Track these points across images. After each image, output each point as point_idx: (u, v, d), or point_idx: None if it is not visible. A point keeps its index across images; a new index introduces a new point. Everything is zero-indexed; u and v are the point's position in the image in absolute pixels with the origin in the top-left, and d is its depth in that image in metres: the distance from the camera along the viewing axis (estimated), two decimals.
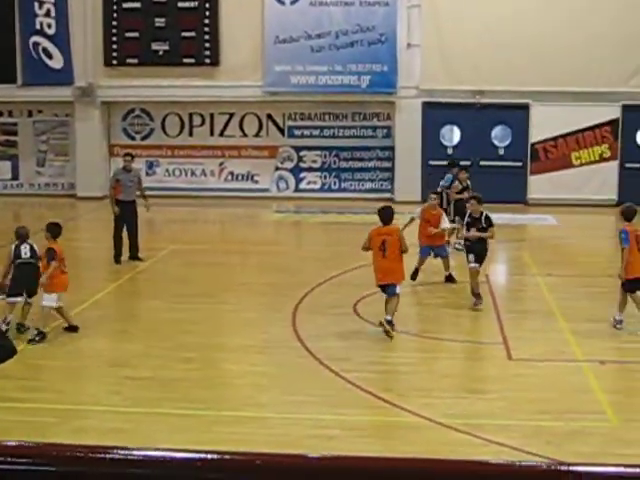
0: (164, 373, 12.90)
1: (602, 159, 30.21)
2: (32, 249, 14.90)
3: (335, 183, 31.25)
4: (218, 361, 13.76)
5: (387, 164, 31.06)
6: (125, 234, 20.46)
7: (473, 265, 16.27)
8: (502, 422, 11.24)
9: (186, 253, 21.86)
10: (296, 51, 29.96)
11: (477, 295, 16.25)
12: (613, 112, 30.14)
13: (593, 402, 11.97)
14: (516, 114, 30.25)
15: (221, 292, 17.91)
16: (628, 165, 30.28)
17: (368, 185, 31.28)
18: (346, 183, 31.34)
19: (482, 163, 30.31)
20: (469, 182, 21.95)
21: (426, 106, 30.31)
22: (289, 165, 31.40)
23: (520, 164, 30.36)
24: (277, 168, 31.44)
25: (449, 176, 22.56)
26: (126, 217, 20.42)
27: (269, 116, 31.27)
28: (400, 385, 12.59)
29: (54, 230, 14.95)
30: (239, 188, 31.32)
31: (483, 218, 16.53)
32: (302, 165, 31.36)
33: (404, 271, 15.44)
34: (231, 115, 31.32)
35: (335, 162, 31.24)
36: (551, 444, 10.55)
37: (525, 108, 30.21)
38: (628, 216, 15.72)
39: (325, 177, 31.12)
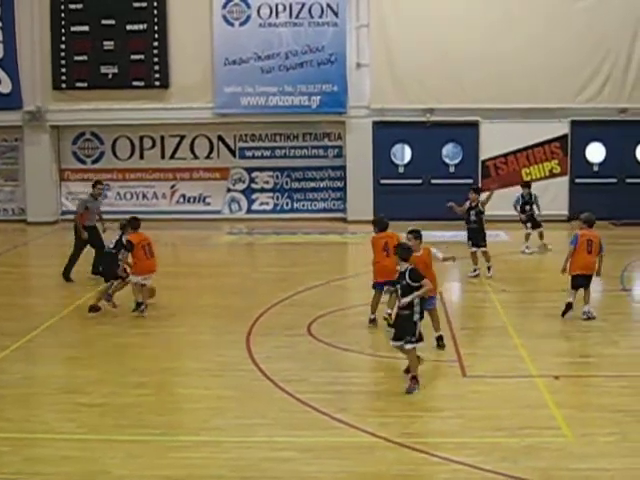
0: (118, 399, 12.77)
1: (552, 175, 30.46)
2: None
3: (287, 204, 31.24)
4: (172, 385, 13.65)
5: (339, 184, 31.11)
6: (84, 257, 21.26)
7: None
8: (458, 440, 11.23)
9: None
10: (246, 72, 29.95)
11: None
12: (562, 128, 30.43)
13: (548, 417, 12.00)
14: (466, 132, 30.43)
15: (174, 315, 17.77)
16: (578, 180, 30.57)
17: (320, 205, 31.31)
18: (298, 203, 31.35)
19: (433, 181, 30.48)
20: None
21: (377, 125, 30.42)
22: (241, 186, 31.35)
23: (471, 181, 30.48)
24: (229, 190, 31.38)
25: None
26: (94, 240, 21.36)
27: (220, 138, 31.22)
28: (356, 405, 12.54)
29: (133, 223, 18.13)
30: (191, 210, 31.23)
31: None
32: (254, 186, 31.32)
33: None
34: (182, 137, 31.24)
35: (287, 183, 31.25)
36: (507, 460, 10.57)
37: (475, 125, 30.41)
38: (588, 222, 17.70)
39: (277, 198, 31.11)
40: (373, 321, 16.60)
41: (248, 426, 11.72)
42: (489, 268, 20.90)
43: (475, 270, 21.01)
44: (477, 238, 21.07)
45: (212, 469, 10.41)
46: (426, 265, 14.61)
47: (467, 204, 21.45)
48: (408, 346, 12.87)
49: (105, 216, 22.31)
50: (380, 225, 17.15)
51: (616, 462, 10.59)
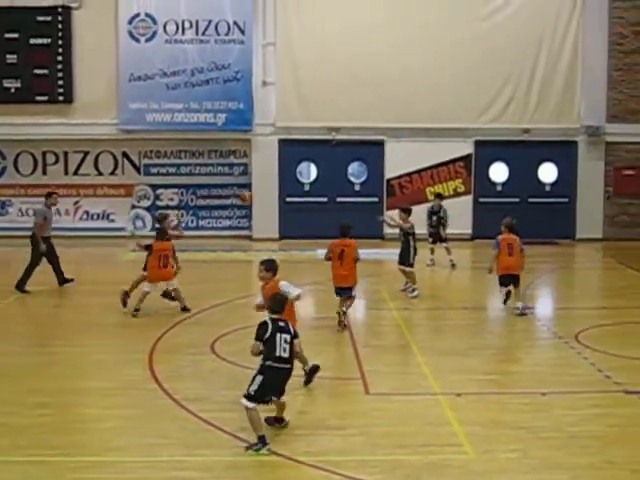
0: (17, 420, 12.48)
1: (456, 194, 30.80)
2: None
3: (192, 221, 31.09)
4: (74, 405, 13.38)
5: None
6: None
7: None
8: (361, 457, 11.22)
9: (40, 295, 21.36)
10: (151, 89, 29.78)
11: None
12: (466, 148, 30.81)
13: (450, 435, 12.06)
14: (371, 150, 30.65)
15: (76, 334, 17.51)
16: (482, 200, 30.95)
17: (226, 223, 31.22)
18: (204, 221, 31.22)
19: (339, 199, 30.59)
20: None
21: (282, 143, 30.46)
22: (146, 203, 31.09)
23: (376, 199, 30.72)
24: (133, 207, 31.09)
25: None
26: (51, 251, 21.95)
27: (125, 154, 30.95)
28: None
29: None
30: (95, 227, 30.89)
31: None
32: (159, 203, 31.09)
33: (357, 277, 18.20)
34: (86, 153, 30.91)
35: (192, 200, 31.10)
36: (410, 477, 10.60)
37: (380, 144, 30.62)
38: (509, 227, 19.88)
39: (182, 215, 30.91)
40: (343, 315, 17.78)
41: (150, 446, 11.56)
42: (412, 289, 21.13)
43: (406, 283, 21.43)
44: (401, 256, 21.34)
45: None
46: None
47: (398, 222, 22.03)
48: (243, 401, 11.63)
49: (7, 233, 22.01)
50: (342, 231, 18.41)
51: (517, 478, 10.69)
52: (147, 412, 12.91)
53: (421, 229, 23.86)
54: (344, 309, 17.71)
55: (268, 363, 11.61)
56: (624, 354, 16.06)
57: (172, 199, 31.10)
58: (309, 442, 11.58)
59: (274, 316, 11.91)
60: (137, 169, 31.09)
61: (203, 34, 29.88)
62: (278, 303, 12.09)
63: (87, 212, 31.04)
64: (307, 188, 30.94)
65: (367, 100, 29.89)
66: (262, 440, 11.36)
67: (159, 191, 31.03)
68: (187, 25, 29.81)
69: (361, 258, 18.34)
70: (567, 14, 30.37)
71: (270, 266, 14.03)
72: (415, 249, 21.15)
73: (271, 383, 11.64)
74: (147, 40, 29.84)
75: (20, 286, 21.34)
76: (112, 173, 31.06)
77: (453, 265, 24.88)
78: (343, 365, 15.31)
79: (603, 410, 13.08)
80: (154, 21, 29.75)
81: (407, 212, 21.67)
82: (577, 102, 30.66)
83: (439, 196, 26.43)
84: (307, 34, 29.90)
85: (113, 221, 31.10)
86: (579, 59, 30.52)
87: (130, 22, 29.72)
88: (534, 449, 11.52)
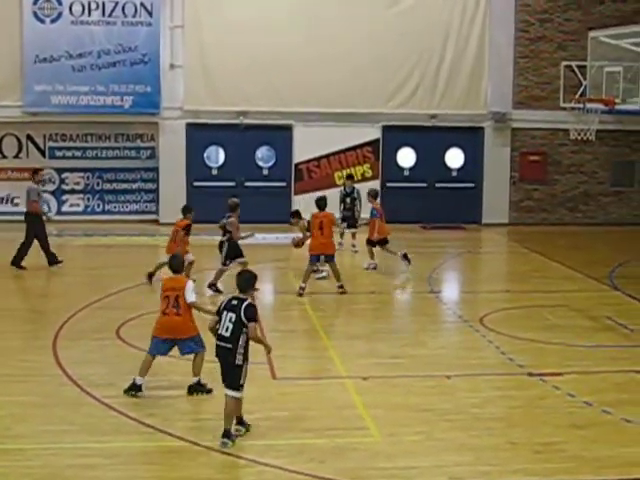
0: None
1: (364, 178, 30.87)
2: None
3: (99, 205, 30.68)
4: None
5: (151, 185, 30.76)
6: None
7: None
8: (267, 442, 11.24)
9: None
10: (57, 70, 29.25)
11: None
12: (374, 133, 30.93)
13: (356, 418, 12.14)
14: (280, 135, 30.58)
15: None
16: (389, 184, 31.10)
17: (133, 207, 30.87)
18: (110, 205, 30.82)
19: (247, 184, 30.50)
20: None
21: (190, 127, 30.22)
22: (51, 187, 30.58)
23: (284, 184, 30.69)
24: None
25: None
26: (41, 230, 22.32)
27: (29, 137, 30.38)
28: (165, 410, 12.36)
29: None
30: None
31: None
32: (64, 187, 30.62)
33: (335, 245, 20.39)
34: None
35: (98, 184, 30.67)
36: (314, 461, 10.64)
37: (288, 129, 30.58)
38: (374, 195, 23.09)
39: (88, 199, 30.49)
40: (303, 289, 19.55)
41: (53, 432, 11.43)
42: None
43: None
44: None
45: (13, 477, 10.09)
46: None
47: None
48: (231, 393, 11.39)
49: None
50: (319, 205, 20.22)
51: (422, 460, 10.81)
52: (50, 399, 12.75)
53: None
54: (339, 283, 19.89)
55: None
56: (527, 337, 16.34)
57: (78, 183, 30.65)
58: (215, 427, 11.52)
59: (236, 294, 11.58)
60: (42, 152, 30.55)
61: (110, 15, 29.41)
62: (241, 280, 11.65)
63: None
64: (215, 172, 30.75)
65: (275, 84, 29.79)
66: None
67: (64, 175, 30.54)
68: (93, 6, 29.31)
69: (268, 242, 18.61)
70: (474, 1, 30.61)
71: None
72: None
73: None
74: (52, 21, 29.29)
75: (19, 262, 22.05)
76: (16, 156, 30.45)
77: (356, 251, 24.97)
78: (250, 349, 15.23)
79: (506, 392, 13.28)
80: (59, 2, 29.19)
81: (298, 216, 22.36)
82: (484, 88, 30.93)
83: (350, 177, 26.56)
84: (215, 17, 29.65)
85: (17, 205, 30.51)
86: (486, 46, 30.78)
87: (35, 2, 29.10)
88: (438, 431, 11.66)
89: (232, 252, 19.74)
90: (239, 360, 11.26)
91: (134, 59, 29.46)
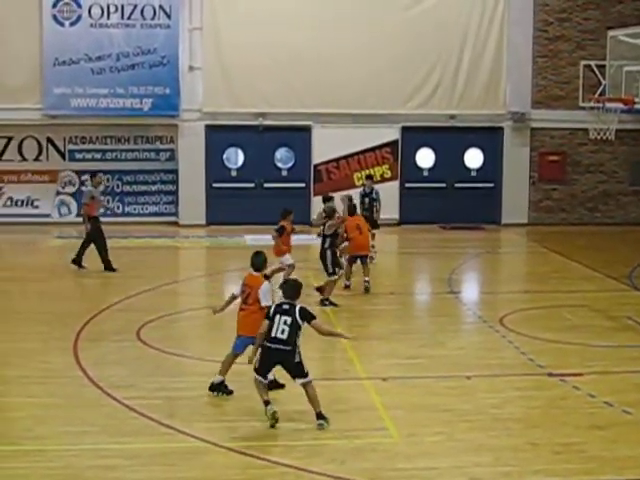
0: None
1: (383, 179, 30.87)
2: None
3: (118, 207, 30.77)
4: None
5: (171, 187, 30.82)
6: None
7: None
8: (287, 443, 11.26)
9: None
10: (76, 73, 29.36)
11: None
12: (393, 133, 30.91)
13: (376, 419, 12.14)
14: (298, 136, 30.59)
15: None
16: (408, 185, 31.09)
17: (152, 209, 30.95)
18: (129, 207, 30.91)
19: (266, 185, 30.53)
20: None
21: (209, 129, 30.27)
22: (71, 190, 30.70)
23: (303, 185, 30.71)
24: (58, 193, 30.70)
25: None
26: (97, 232, 22.15)
27: (49, 139, 30.50)
28: (184, 411, 12.39)
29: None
30: (19, 214, 30.38)
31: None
32: (84, 189, 30.64)
33: None
34: (9, 139, 30.37)
35: (118, 186, 30.76)
36: (335, 462, 10.64)
37: (307, 130, 30.59)
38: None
39: (108, 201, 30.53)
40: (348, 287, 20.18)
41: (74, 434, 11.47)
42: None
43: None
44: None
45: (34, 478, 10.14)
46: None
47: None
48: (303, 380, 11.93)
49: None
50: (350, 211, 20.57)
51: (442, 461, 10.80)
52: (71, 400, 12.80)
53: None
54: (367, 278, 20.02)
55: (264, 342, 11.95)
56: (547, 337, 16.30)
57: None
58: (234, 428, 11.57)
59: (283, 300, 12.22)
60: (62, 155, 30.66)
61: (129, 18, 29.53)
62: (289, 288, 12.32)
63: (11, 198, 30.54)
64: (234, 174, 30.80)
65: (294, 86, 29.83)
66: (266, 403, 11.83)
67: (84, 177, 30.60)
68: (112, 9, 29.43)
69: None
70: (493, 1, 30.56)
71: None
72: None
73: (264, 360, 11.98)
74: (72, 24, 29.41)
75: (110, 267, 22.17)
76: (36, 159, 30.58)
77: (375, 252, 24.77)
78: None
79: (526, 393, 13.25)
80: (79, 5, 29.32)
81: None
82: (503, 88, 30.88)
83: (370, 178, 26.27)
84: (234, 19, 29.70)
85: (37, 207, 30.66)
86: (505, 46, 30.73)
87: (54, 5, 29.24)
88: (458, 432, 11.65)
89: (336, 259, 19.37)
90: (298, 358, 11.87)
91: (153, 61, 29.55)
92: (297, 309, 11.94)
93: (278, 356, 11.88)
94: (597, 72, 29.09)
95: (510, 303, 19.38)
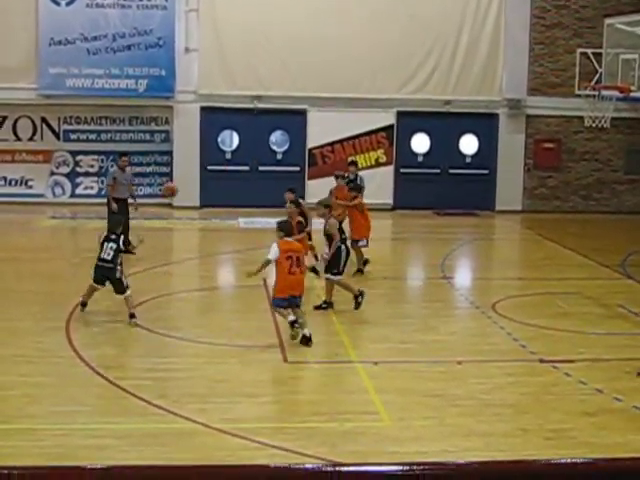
0: None
1: (378, 164, 30.86)
2: None
3: None
4: None
5: (165, 169, 30.73)
6: None
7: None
8: (277, 425, 11.30)
9: None
10: (72, 53, 29.26)
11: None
12: (388, 118, 30.87)
13: (367, 402, 12.16)
14: (294, 119, 30.54)
15: None
16: (403, 170, 31.07)
17: (146, 190, 30.84)
18: None
19: (261, 168, 30.50)
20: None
21: (204, 111, 30.21)
22: (65, 170, 30.63)
23: (298, 169, 30.67)
24: (52, 173, 30.63)
25: None
26: (123, 214, 21.51)
27: (44, 119, 30.40)
28: (175, 391, 12.41)
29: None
30: (13, 193, 30.29)
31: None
32: (78, 170, 30.64)
33: None
34: (4, 118, 30.25)
35: (112, 167, 30.59)
36: (325, 445, 10.66)
37: (302, 114, 30.55)
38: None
39: (102, 182, 30.42)
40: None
41: (65, 413, 11.49)
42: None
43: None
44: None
45: (25, 457, 10.14)
46: None
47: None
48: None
49: None
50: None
51: (432, 445, 10.83)
52: (62, 380, 12.82)
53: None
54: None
55: None
56: (540, 324, 16.32)
57: (92, 166, 30.67)
58: (225, 410, 11.59)
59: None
60: (56, 135, 30.58)
61: None
62: None
63: (5, 178, 30.45)
64: (229, 156, 30.75)
65: (290, 69, 29.79)
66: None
67: (79, 157, 30.54)
68: None
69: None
70: None
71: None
72: None
73: None
74: (68, 4, 29.28)
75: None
76: (31, 139, 30.48)
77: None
78: (263, 333, 15.29)
79: (517, 379, 13.29)
80: None
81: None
82: (499, 75, 30.85)
83: (353, 163, 24.92)
84: (230, 1, 29.66)
85: (31, 187, 30.60)
86: (501, 32, 30.69)
87: None
88: (448, 417, 11.68)
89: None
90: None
91: (149, 42, 29.45)
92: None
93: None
94: (593, 60, 29.14)
95: (503, 289, 19.41)
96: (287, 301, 14.62)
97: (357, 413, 11.75)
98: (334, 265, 17.00)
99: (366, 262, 20.32)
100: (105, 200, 23.00)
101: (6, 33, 29.09)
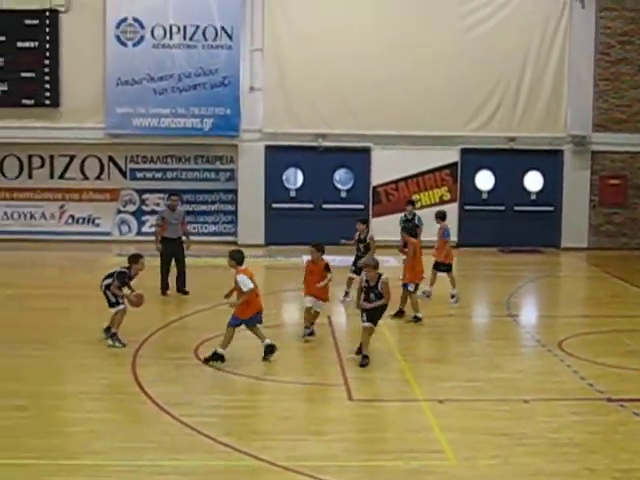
0: None
1: (442, 201, 30.80)
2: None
3: None
4: (52, 409, 13.28)
5: (231, 207, 31.00)
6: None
7: (367, 324, 15.75)
8: (343, 463, 11.21)
9: (22, 298, 21.30)
10: (138, 93, 29.71)
11: (364, 357, 15.62)
12: (452, 156, 30.84)
13: (432, 441, 12.06)
14: (358, 157, 30.64)
15: (57, 338, 17.38)
16: (467, 207, 30.98)
17: (212, 228, 31.14)
18: (189, 226, 30.98)
19: (325, 206, 30.60)
20: (368, 234, 21.35)
21: (269, 149, 30.43)
22: (131, 208, 31.02)
23: (362, 207, 30.70)
24: (119, 211, 31.02)
25: None
26: (175, 253, 22.10)
27: (111, 158, 30.85)
28: (240, 429, 12.42)
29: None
30: (80, 231, 30.77)
31: (380, 284, 15.71)
32: (144, 208, 31.01)
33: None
34: (72, 157, 30.79)
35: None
36: None
37: (366, 151, 30.63)
38: (442, 216, 22.07)
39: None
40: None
41: (131, 449, 11.53)
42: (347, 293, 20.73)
43: (347, 294, 20.90)
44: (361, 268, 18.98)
45: None
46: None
47: (356, 235, 21.36)
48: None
49: None
50: (410, 233, 20.26)
51: None
52: (128, 416, 12.90)
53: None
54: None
55: None
56: (607, 362, 16.10)
57: (158, 204, 30.95)
58: (291, 447, 11.56)
59: None
60: (123, 173, 31.00)
61: (191, 39, 29.85)
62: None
63: (72, 216, 30.93)
64: (293, 194, 30.92)
65: (353, 107, 29.92)
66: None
67: (145, 196, 30.93)
68: (175, 30, 29.77)
69: (347, 264, 18.73)
70: (554, 23, 30.44)
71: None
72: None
73: None
74: (135, 44, 29.78)
75: (162, 291, 22.06)
76: (98, 177, 30.94)
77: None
78: (327, 371, 15.28)
79: (585, 417, 13.09)
80: (142, 25, 29.70)
81: (365, 223, 21.87)
82: (563, 111, 30.73)
83: (411, 203, 24.77)
84: (295, 40, 29.91)
85: (98, 225, 31.01)
86: (565, 68, 30.59)
87: (118, 26, 29.65)
88: (515, 456, 11.54)
89: None
90: None
91: (214, 82, 29.80)
92: None
93: None
94: None
95: (569, 327, 19.19)
96: (256, 319, 15.72)
97: (423, 452, 11.65)
98: (374, 318, 15.96)
99: (399, 314, 19.52)
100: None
101: (75, 74, 29.67)
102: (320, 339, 17.43)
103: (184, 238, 22.49)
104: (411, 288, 19.18)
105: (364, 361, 15.51)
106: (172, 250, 22.08)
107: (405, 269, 19.59)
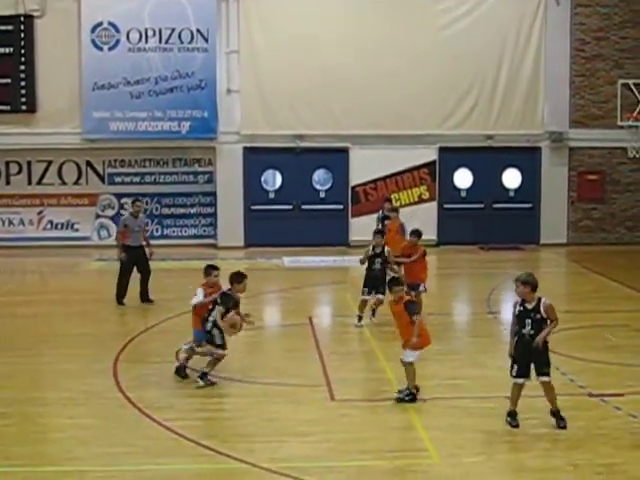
0: None
1: (421, 200, 30.86)
2: None
3: (157, 230, 30.91)
4: (35, 415, 13.22)
5: (209, 210, 30.98)
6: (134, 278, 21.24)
7: (545, 378, 13.10)
8: (326, 464, 11.22)
9: (2, 305, 21.22)
10: (115, 97, 29.64)
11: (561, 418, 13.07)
12: (430, 154, 30.89)
13: (415, 439, 12.10)
14: (336, 158, 30.65)
15: (38, 344, 17.36)
16: (446, 206, 31.04)
17: (191, 231, 31.12)
18: (168, 230, 31.09)
19: (304, 207, 30.59)
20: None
21: (247, 151, 30.42)
22: (110, 213, 30.94)
23: (341, 207, 30.73)
24: (98, 216, 30.95)
25: None
26: (137, 262, 20.98)
27: (88, 163, 30.78)
28: (223, 431, 12.41)
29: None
30: (59, 237, 30.68)
31: (542, 307, 13.62)
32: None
33: None
34: (49, 163, 30.70)
35: (157, 209, 30.96)
36: None
37: (345, 152, 30.65)
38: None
39: (147, 224, 30.67)
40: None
41: (114, 455, 11.50)
42: (374, 311, 19.27)
43: (361, 319, 19.02)
44: (377, 284, 18.89)
45: None
46: None
47: (370, 250, 19.53)
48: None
49: None
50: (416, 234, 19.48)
51: None
52: (110, 421, 12.85)
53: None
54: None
55: None
56: (588, 357, 16.17)
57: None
58: (274, 449, 11.56)
59: None
60: (101, 178, 30.93)
61: (166, 42, 29.78)
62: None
63: (51, 222, 30.83)
64: (272, 196, 30.91)
65: (331, 108, 29.94)
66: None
67: (123, 200, 30.84)
68: (150, 33, 29.70)
69: (325, 265, 18.48)
70: (529, 20, 30.53)
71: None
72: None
73: None
74: (110, 48, 29.69)
75: (118, 298, 21.08)
76: (76, 182, 30.85)
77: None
78: (309, 373, 15.28)
79: (567, 413, 13.09)
80: (117, 29, 29.61)
81: (383, 235, 20.07)
82: (540, 108, 30.82)
83: (389, 200, 24.85)
84: (270, 41, 29.90)
85: (77, 230, 30.92)
86: (542, 65, 30.69)
87: (93, 30, 29.55)
88: (498, 453, 11.58)
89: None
90: None
91: (191, 85, 29.77)
92: None
93: None
94: (635, 90, 29.00)
95: None
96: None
97: (406, 451, 11.69)
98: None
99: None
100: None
101: (51, 79, 29.58)
102: (301, 341, 17.44)
103: (145, 245, 21.40)
104: (422, 288, 19.14)
105: (561, 423, 12.64)
106: (134, 259, 21.05)
107: (413, 271, 19.35)
